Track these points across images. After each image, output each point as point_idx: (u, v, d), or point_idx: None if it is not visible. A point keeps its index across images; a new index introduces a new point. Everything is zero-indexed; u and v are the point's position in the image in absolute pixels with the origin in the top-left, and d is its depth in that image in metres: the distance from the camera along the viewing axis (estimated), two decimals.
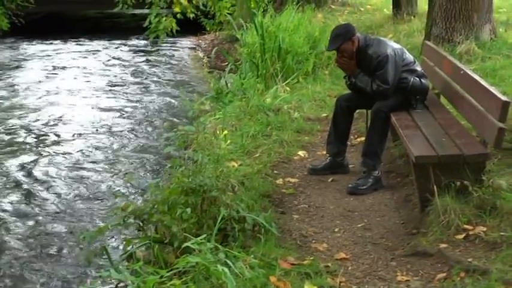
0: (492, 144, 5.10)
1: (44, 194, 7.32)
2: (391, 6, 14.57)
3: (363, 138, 6.80)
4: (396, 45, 6.30)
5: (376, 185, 6.11)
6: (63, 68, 14.18)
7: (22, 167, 8.14)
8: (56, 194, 7.32)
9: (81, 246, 5.95)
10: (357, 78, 6.23)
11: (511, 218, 4.76)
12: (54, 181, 7.68)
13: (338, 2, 17.18)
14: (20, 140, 9.25)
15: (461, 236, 4.73)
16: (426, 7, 11.56)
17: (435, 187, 5.02)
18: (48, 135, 9.44)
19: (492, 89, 5.38)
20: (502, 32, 10.94)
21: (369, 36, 6.40)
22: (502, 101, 5.02)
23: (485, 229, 4.74)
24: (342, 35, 6.17)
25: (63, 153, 8.60)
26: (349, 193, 6.06)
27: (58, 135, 9.42)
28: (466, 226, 4.80)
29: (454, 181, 5.05)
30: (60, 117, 10.35)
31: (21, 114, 10.51)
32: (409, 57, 6.31)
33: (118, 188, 7.35)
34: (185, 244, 4.30)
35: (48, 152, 8.69)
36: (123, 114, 10.47)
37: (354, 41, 6.15)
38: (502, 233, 4.64)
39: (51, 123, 10.05)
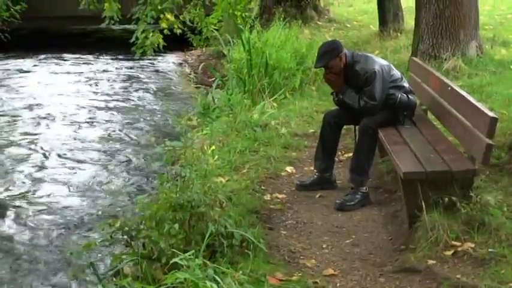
0: (480, 161, 5.13)
1: (30, 209, 7.27)
2: (377, 23, 14.67)
3: (350, 154, 6.82)
4: (383, 62, 6.34)
5: (364, 201, 6.13)
6: (47, 84, 14.10)
7: (6, 183, 8.09)
8: (41, 209, 7.27)
9: (68, 261, 5.91)
10: (344, 95, 6.26)
11: (499, 234, 4.78)
12: (40, 196, 7.62)
13: (325, 18, 17.27)
14: None
15: (449, 252, 4.75)
16: (413, 23, 11.66)
17: (423, 203, 5.04)
18: (32, 152, 9.37)
19: (480, 105, 5.43)
20: (489, 49, 11.06)
21: (356, 52, 6.43)
22: (490, 117, 5.05)
23: (473, 245, 4.76)
24: (329, 52, 6.20)
25: (47, 170, 8.54)
26: (336, 209, 6.07)
27: (41, 151, 9.35)
28: (454, 242, 4.82)
29: (442, 197, 5.08)
30: (41, 133, 10.27)
31: None
32: (397, 73, 6.35)
33: (105, 204, 7.31)
34: (173, 260, 4.29)
35: (34, 168, 8.63)
36: (109, 130, 10.42)
37: (342, 57, 6.18)
38: (490, 250, 4.66)
39: (34, 139, 9.98)
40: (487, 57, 10.50)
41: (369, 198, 6.18)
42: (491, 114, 5.13)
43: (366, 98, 6.10)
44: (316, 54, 6.39)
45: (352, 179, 6.22)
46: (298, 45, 11.42)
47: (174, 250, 4.51)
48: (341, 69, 6.21)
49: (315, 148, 6.67)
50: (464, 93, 5.84)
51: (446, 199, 5.06)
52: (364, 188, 6.16)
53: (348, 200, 6.13)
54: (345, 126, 6.77)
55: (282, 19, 13.23)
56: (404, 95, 6.25)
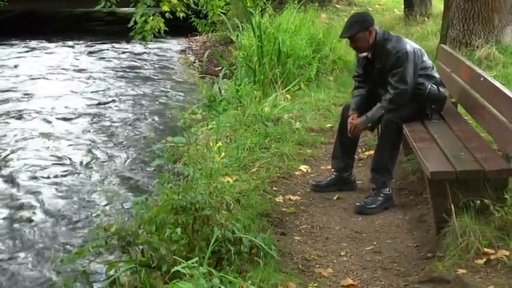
0: None
1: (18, 211, 7.31)
2: (402, 6, 14.66)
3: (371, 152, 6.81)
4: (416, 45, 6.32)
5: (386, 203, 6.12)
6: (39, 71, 14.17)
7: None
8: (32, 211, 7.31)
9: (59, 270, 5.93)
10: (368, 119, 6.20)
11: None
12: (28, 197, 7.66)
13: (344, 1, 17.31)
14: None
15: (481, 261, 4.73)
16: (441, 7, 11.63)
17: (452, 206, 5.02)
18: (21, 148, 9.42)
19: None
20: None
21: (387, 31, 6.40)
22: None
23: (508, 253, 4.74)
24: (360, 22, 6.17)
25: (37, 168, 8.58)
26: (356, 212, 6.07)
27: (31, 148, 9.40)
28: (486, 249, 4.80)
29: (473, 200, 5.05)
30: (33, 127, 10.32)
31: None
32: (428, 61, 6.32)
33: (100, 206, 7.34)
34: (175, 268, 4.28)
35: (26, 163, 8.67)
36: (106, 125, 10.46)
37: (372, 31, 6.15)
38: None
39: (24, 133, 10.02)
40: None
41: (392, 201, 6.17)
42: None
43: (396, 81, 6.05)
44: (344, 26, 6.30)
45: (374, 180, 6.21)
46: (315, 31, 11.42)
47: (175, 257, 4.52)
48: (369, 44, 6.17)
49: (332, 145, 6.66)
50: (498, 84, 5.81)
51: (478, 202, 5.03)
52: (387, 189, 6.15)
53: (368, 203, 6.12)
54: None
55: (296, 1, 13.21)
56: (435, 86, 6.22)
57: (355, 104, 6.38)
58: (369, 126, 6.32)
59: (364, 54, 6.28)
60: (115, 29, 18.27)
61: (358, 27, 6.14)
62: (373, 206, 6.09)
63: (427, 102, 6.22)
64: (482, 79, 6.03)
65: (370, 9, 16.75)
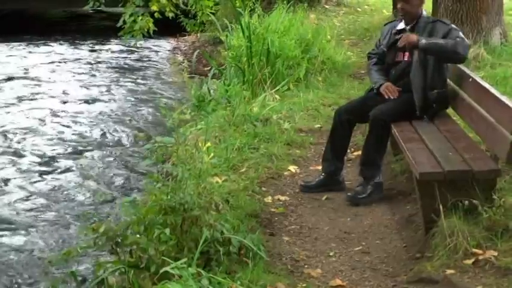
0: (504, 160, 5.13)
1: (6, 211, 7.27)
2: (391, 7, 14.66)
3: (360, 152, 6.81)
4: None
5: (376, 191, 6.23)
6: (26, 72, 14.10)
7: None
8: (19, 211, 7.27)
9: (47, 270, 5.90)
10: (426, 43, 6.02)
11: None
12: (15, 198, 7.62)
13: (333, 2, 17.29)
14: None
15: (470, 261, 4.74)
16: (430, 8, 11.63)
17: (441, 207, 5.03)
18: (11, 147, 9.38)
19: (504, 98, 5.40)
20: None
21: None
22: None
23: (496, 253, 4.75)
24: None
25: (23, 169, 8.54)
26: (348, 202, 6.20)
27: (18, 148, 9.35)
28: (475, 250, 4.81)
29: (461, 200, 5.06)
30: (18, 127, 10.27)
31: None
32: None
33: (89, 207, 7.31)
34: (163, 269, 4.27)
35: (12, 165, 8.63)
36: (93, 125, 10.42)
37: (424, 3, 6.22)
38: None
39: (12, 134, 9.98)
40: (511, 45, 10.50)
41: (381, 189, 6.29)
42: None
43: (460, 37, 5.99)
44: None
45: (362, 173, 6.32)
46: (304, 31, 11.40)
47: (164, 258, 4.50)
48: (416, 14, 6.19)
49: (322, 146, 6.68)
50: (486, 85, 5.83)
51: (467, 202, 5.04)
52: (377, 177, 6.27)
53: (359, 192, 6.24)
54: None
55: (285, 2, 13.20)
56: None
57: (382, 75, 6.43)
58: (419, 48, 6.09)
59: (402, 26, 6.32)
60: (103, 28, 18.23)
61: None
62: (364, 195, 6.21)
63: (438, 98, 6.22)
64: (470, 80, 6.05)
65: (359, 9, 16.76)
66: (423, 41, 6.01)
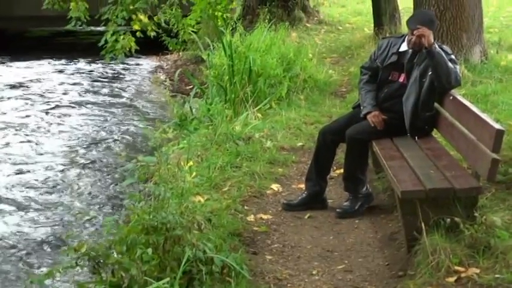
0: (485, 177, 5.14)
1: None
2: (372, 25, 14.74)
3: (342, 171, 6.83)
4: None
5: (366, 202, 6.38)
6: (3, 92, 14.04)
7: None
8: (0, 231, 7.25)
9: None
10: (435, 51, 6.05)
11: (506, 259, 4.78)
12: None
13: (314, 20, 17.36)
14: None
15: (452, 279, 4.74)
16: None
17: (423, 224, 5.04)
18: None
19: (484, 116, 5.44)
20: (494, 54, 11.13)
21: None
22: (496, 129, 5.06)
23: (478, 271, 4.76)
24: (434, 23, 6.36)
25: (8, 184, 8.50)
26: (339, 218, 6.29)
27: (2, 166, 9.32)
28: (457, 268, 4.82)
29: (443, 218, 5.08)
30: (1, 145, 10.24)
31: None
32: None
33: (70, 226, 7.28)
34: None
35: None
36: (74, 144, 10.39)
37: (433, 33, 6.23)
38: (497, 275, 4.65)
39: None
40: (492, 63, 10.57)
41: (371, 197, 6.44)
42: (497, 126, 5.15)
43: (455, 67, 6.08)
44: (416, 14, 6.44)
45: (347, 188, 6.42)
46: (285, 50, 11.46)
47: (146, 278, 4.49)
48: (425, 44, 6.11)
49: (304, 164, 6.69)
50: (467, 102, 5.86)
51: (448, 220, 5.06)
52: (364, 188, 6.37)
53: (348, 208, 6.33)
54: None
55: (267, 21, 13.27)
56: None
57: (373, 100, 6.38)
58: (431, 49, 6.05)
59: (405, 47, 6.34)
60: (84, 48, 18.20)
61: (433, 26, 6.26)
62: (354, 209, 6.33)
63: (429, 120, 6.25)
64: (451, 97, 6.08)
65: (340, 27, 16.84)
66: (435, 47, 6.06)
